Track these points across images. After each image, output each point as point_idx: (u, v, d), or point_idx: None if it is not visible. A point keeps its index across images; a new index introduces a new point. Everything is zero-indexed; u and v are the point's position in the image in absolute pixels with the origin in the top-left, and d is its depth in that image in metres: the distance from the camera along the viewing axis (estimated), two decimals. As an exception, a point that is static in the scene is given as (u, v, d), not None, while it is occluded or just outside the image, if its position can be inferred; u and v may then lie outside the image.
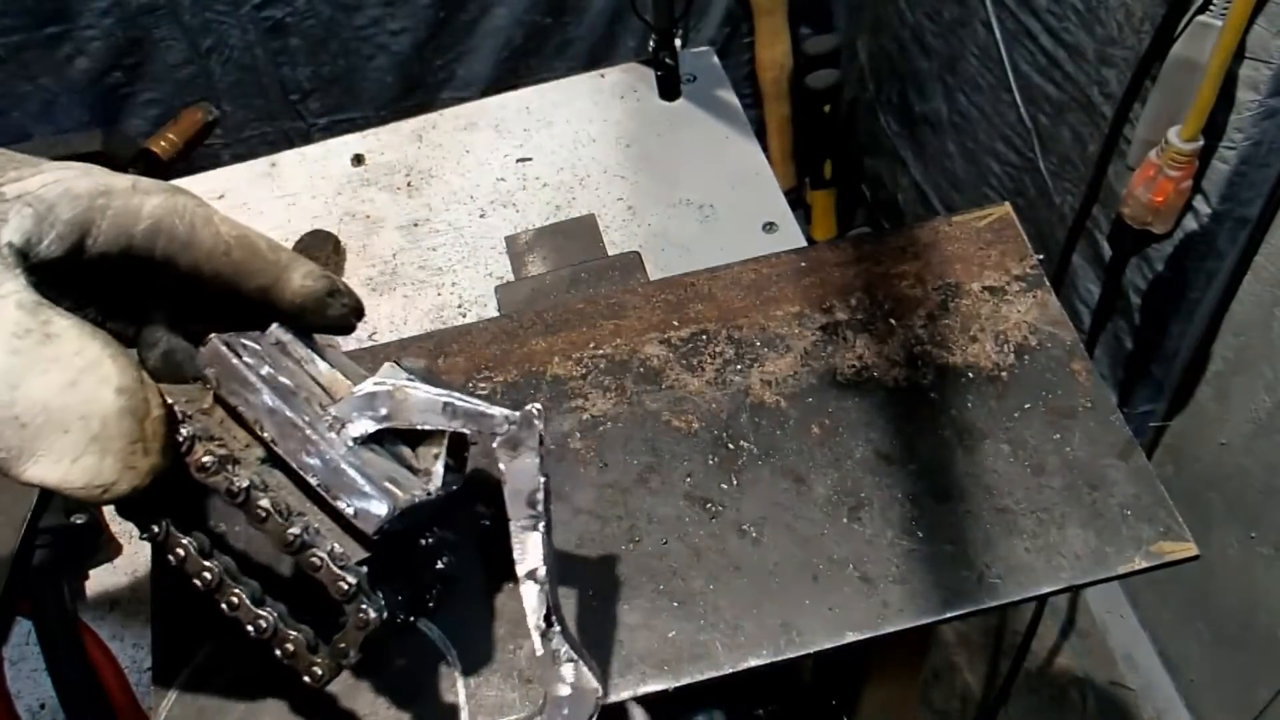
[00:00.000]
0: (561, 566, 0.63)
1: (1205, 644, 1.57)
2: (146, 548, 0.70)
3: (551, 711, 0.56)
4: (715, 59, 1.27)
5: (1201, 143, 1.07)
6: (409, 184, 1.18)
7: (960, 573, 0.67)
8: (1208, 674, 1.60)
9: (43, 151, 0.55)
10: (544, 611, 0.56)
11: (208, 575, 0.57)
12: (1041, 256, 0.82)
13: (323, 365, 0.60)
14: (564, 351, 0.80)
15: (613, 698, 0.64)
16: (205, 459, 0.55)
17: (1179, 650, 1.65)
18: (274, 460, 0.57)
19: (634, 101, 1.24)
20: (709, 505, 0.71)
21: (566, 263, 1.05)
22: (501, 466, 0.57)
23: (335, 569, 0.55)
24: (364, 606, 0.55)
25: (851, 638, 0.66)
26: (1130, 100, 1.17)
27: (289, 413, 0.56)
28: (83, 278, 0.53)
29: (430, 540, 0.66)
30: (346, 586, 0.55)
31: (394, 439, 0.59)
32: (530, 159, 1.19)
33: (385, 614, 0.56)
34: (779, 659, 0.65)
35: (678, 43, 1.20)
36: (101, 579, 0.92)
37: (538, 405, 0.57)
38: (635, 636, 0.66)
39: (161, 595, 0.70)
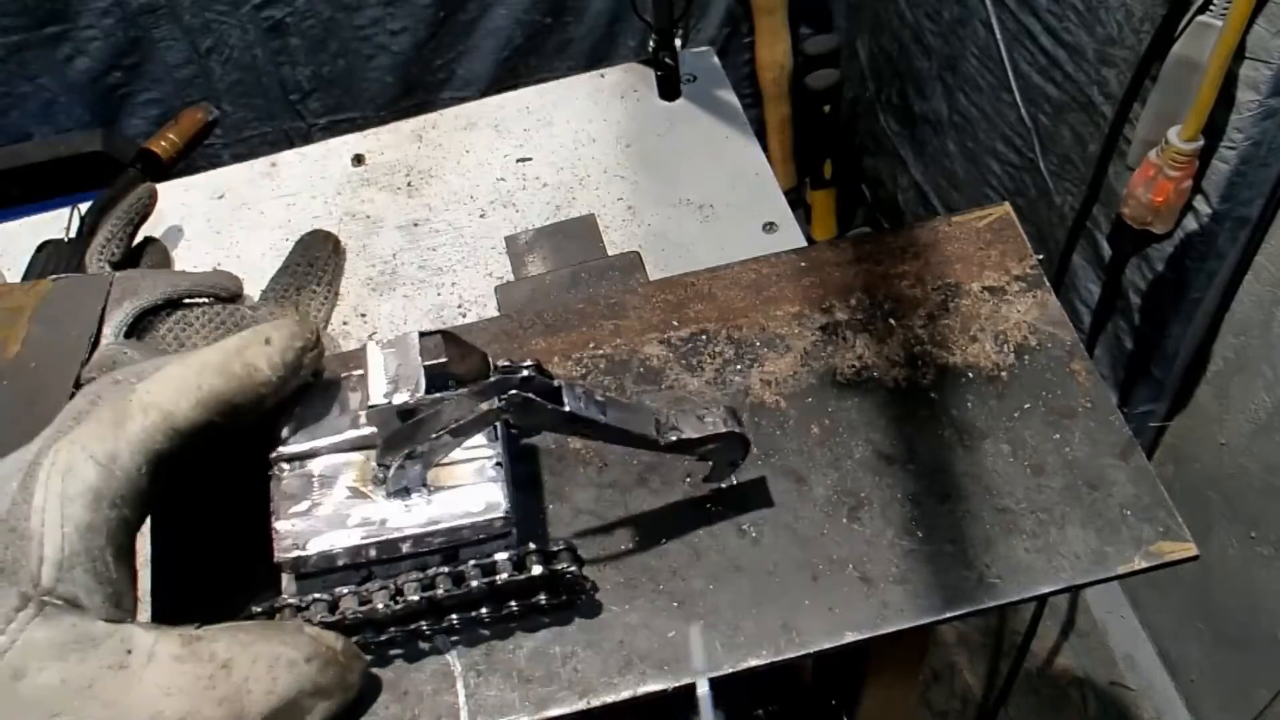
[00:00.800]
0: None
1: (1205, 644, 1.57)
2: (147, 548, 0.70)
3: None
4: (715, 59, 1.27)
5: (1201, 143, 1.07)
6: (409, 184, 1.18)
7: (960, 573, 0.67)
8: (1208, 674, 1.60)
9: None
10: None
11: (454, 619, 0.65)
12: (1041, 256, 0.82)
13: (334, 459, 0.65)
14: (564, 351, 0.80)
15: (611, 698, 0.64)
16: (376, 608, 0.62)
17: (1179, 650, 1.65)
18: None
19: (634, 101, 1.24)
20: (709, 505, 0.71)
21: (566, 263, 1.05)
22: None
23: (517, 574, 0.62)
24: (558, 568, 0.63)
25: (851, 638, 0.66)
26: (1130, 100, 1.17)
27: (374, 553, 0.63)
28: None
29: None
30: (539, 571, 0.62)
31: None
32: (530, 159, 1.19)
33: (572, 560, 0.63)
34: (779, 659, 0.65)
35: (678, 43, 1.20)
36: (101, 579, 0.92)
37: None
38: (635, 636, 0.66)
39: (162, 598, 0.70)
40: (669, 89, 1.23)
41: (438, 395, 0.61)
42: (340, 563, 0.63)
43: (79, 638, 0.50)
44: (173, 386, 0.57)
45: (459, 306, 1.06)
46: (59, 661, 0.50)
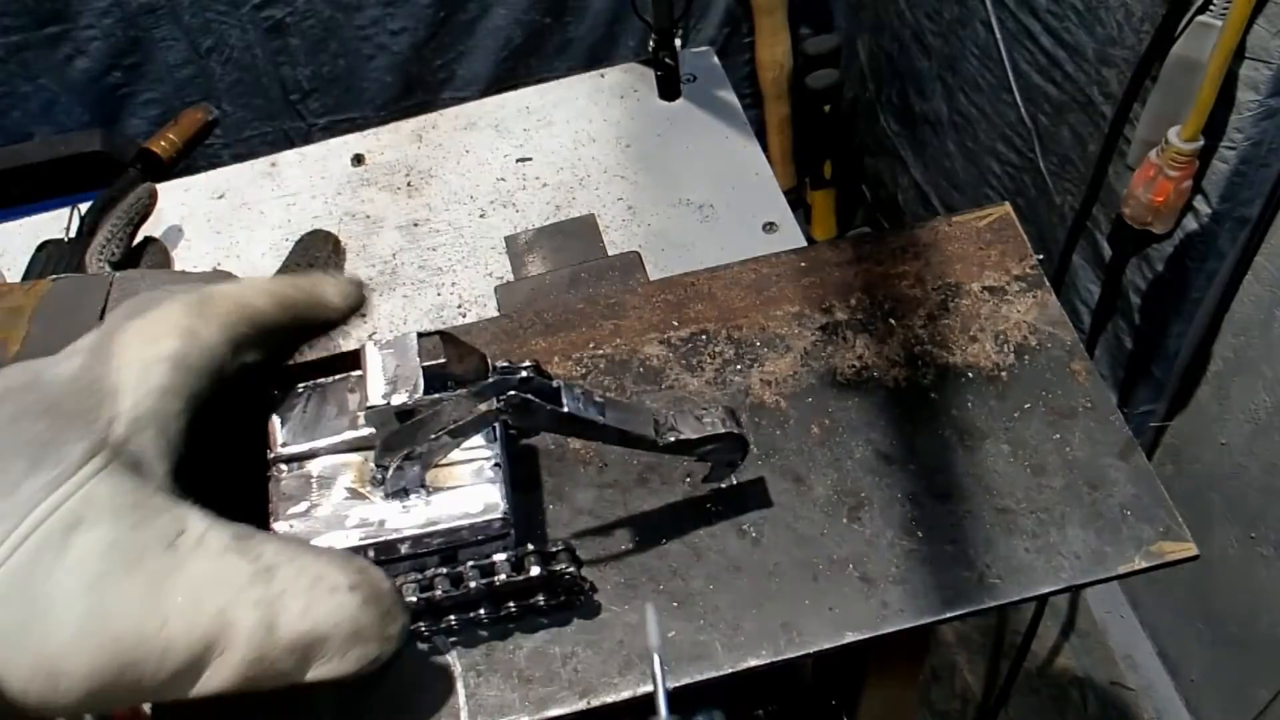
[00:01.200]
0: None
1: (1205, 644, 1.57)
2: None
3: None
4: (715, 59, 1.27)
5: (1201, 143, 1.07)
6: (409, 184, 1.18)
7: (960, 573, 0.67)
8: (1208, 674, 1.60)
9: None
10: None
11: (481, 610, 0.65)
12: (1041, 256, 0.82)
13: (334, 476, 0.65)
14: (564, 351, 0.80)
15: (611, 698, 0.64)
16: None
17: (1179, 650, 1.65)
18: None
19: (634, 101, 1.24)
20: (709, 505, 0.71)
21: (566, 263, 1.05)
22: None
23: (515, 575, 0.62)
24: (556, 568, 0.63)
25: (851, 638, 0.66)
26: (1130, 100, 1.17)
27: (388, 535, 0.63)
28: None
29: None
30: (537, 572, 0.62)
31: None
32: (530, 159, 1.19)
33: (571, 561, 0.63)
34: (779, 659, 0.65)
35: (678, 43, 1.20)
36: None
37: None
38: (635, 636, 0.66)
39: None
40: (669, 89, 1.23)
41: (436, 396, 0.61)
42: None
43: (138, 504, 0.49)
44: (250, 287, 0.58)
45: (459, 306, 1.06)
46: (114, 522, 0.48)
